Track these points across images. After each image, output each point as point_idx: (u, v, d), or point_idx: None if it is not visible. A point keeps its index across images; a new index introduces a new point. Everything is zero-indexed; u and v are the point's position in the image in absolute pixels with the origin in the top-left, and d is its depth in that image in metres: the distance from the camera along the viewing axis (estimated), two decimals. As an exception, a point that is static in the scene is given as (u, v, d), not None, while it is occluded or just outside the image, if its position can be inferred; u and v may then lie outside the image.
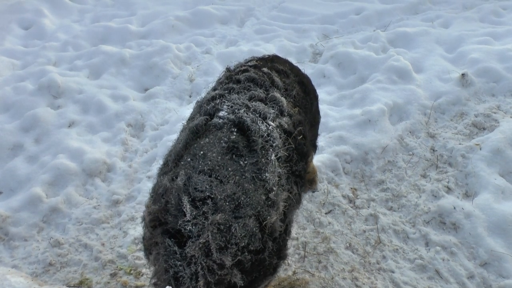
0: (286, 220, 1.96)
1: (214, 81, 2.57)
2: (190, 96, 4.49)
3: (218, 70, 4.72)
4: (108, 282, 2.77)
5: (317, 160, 3.54)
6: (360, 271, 2.88)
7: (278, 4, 6.39)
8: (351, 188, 3.45)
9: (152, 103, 4.30)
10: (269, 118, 2.08)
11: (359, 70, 4.60)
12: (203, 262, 1.57)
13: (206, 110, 2.12)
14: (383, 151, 3.64)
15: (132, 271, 2.83)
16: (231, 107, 2.09)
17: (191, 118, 2.22)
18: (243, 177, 1.81)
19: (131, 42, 5.41)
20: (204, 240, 1.58)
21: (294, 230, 3.10)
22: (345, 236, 3.11)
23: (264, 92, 2.22)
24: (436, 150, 3.71)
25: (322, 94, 4.37)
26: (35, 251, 2.99)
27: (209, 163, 1.82)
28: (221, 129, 1.98)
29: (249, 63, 2.52)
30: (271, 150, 1.96)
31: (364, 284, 2.79)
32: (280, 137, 2.04)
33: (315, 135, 2.90)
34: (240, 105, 2.09)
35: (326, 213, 3.26)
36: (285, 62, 2.72)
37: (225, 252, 1.61)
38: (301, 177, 2.19)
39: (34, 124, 3.94)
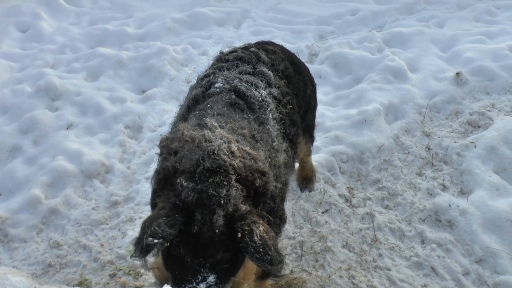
0: (286, 170, 2.11)
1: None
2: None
3: (215, 72, 4.74)
4: (108, 283, 2.79)
5: (314, 160, 3.57)
6: (357, 269, 2.91)
7: (274, 6, 6.42)
8: (348, 187, 3.48)
9: (150, 104, 4.32)
10: (260, 87, 2.29)
11: (354, 70, 4.63)
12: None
13: (202, 85, 2.32)
14: (379, 150, 3.68)
15: (131, 272, 2.86)
16: (225, 79, 2.30)
17: (186, 99, 2.39)
18: (250, 123, 2.03)
19: (128, 45, 5.43)
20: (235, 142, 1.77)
21: (291, 230, 3.13)
22: (341, 235, 3.14)
23: (251, 68, 2.41)
24: (432, 149, 3.75)
25: (319, 94, 4.36)
26: (35, 252, 3.02)
27: (218, 111, 2.04)
28: (221, 94, 2.20)
29: (240, 46, 2.67)
30: (268, 111, 2.18)
31: (360, 282, 2.82)
32: (274, 103, 2.25)
33: (311, 121, 2.98)
34: (232, 78, 2.30)
35: (322, 212, 3.29)
36: (277, 45, 2.81)
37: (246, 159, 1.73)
38: (293, 143, 2.36)
39: (32, 126, 3.96)
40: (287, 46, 5.13)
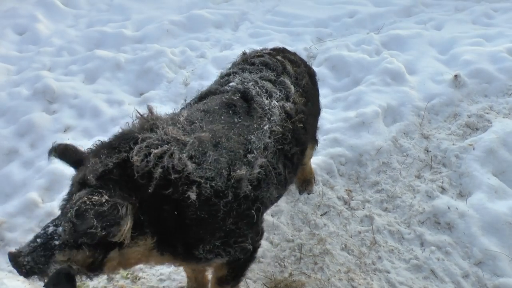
0: (259, 190, 2.00)
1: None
2: (185, 100, 4.49)
3: (213, 74, 4.73)
4: (105, 287, 2.77)
5: (312, 162, 3.56)
6: (356, 272, 2.90)
7: (272, 8, 6.41)
8: (346, 190, 3.47)
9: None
10: (274, 97, 2.25)
11: (353, 72, 4.63)
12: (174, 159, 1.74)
13: (219, 82, 2.37)
14: (378, 152, 3.67)
15: (129, 275, 2.84)
16: (242, 80, 2.29)
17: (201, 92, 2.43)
18: (231, 128, 2.01)
19: (126, 47, 5.41)
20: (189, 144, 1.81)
21: (290, 232, 3.12)
22: (340, 237, 3.13)
23: (275, 76, 2.38)
24: (430, 151, 3.75)
25: (317, 96, 4.40)
26: (32, 256, 2.99)
27: (207, 108, 2.07)
28: (228, 93, 2.21)
29: (264, 51, 2.63)
30: (266, 121, 2.12)
31: (360, 285, 2.81)
32: (280, 116, 2.18)
33: (315, 127, 2.97)
34: (249, 80, 2.29)
35: (321, 215, 3.28)
36: (294, 54, 2.80)
37: (192, 163, 1.78)
38: (291, 162, 2.25)
39: (29, 129, 3.93)
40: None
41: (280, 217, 3.23)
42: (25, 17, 5.99)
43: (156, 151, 1.74)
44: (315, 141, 3.09)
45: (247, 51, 2.73)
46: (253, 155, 1.99)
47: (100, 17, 6.26)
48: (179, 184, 1.74)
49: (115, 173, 1.69)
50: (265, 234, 3.06)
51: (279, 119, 2.18)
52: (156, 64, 4.86)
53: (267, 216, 3.21)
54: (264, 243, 3.04)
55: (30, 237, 3.06)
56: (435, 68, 4.55)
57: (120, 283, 2.79)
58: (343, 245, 3.07)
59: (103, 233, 1.54)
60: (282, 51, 2.71)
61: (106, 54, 5.08)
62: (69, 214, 1.56)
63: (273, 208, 3.28)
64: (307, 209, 3.30)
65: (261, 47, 5.13)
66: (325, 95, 4.44)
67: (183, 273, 2.83)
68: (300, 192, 3.38)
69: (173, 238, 1.83)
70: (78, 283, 2.76)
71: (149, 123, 1.91)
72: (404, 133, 3.89)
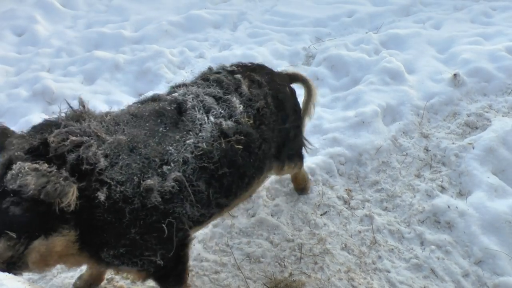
0: (171, 204, 1.95)
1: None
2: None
3: (212, 74, 4.73)
4: (105, 287, 2.77)
5: (312, 162, 3.56)
6: (356, 272, 2.90)
7: (270, 8, 6.41)
8: (346, 189, 3.47)
9: (147, 108, 4.31)
10: (211, 114, 2.20)
11: (352, 72, 4.63)
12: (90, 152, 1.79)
13: (169, 91, 2.37)
14: (377, 152, 3.67)
15: (129, 276, 2.83)
16: (185, 93, 2.27)
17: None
18: (153, 136, 1.99)
19: (124, 48, 5.41)
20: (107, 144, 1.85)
21: (290, 232, 3.12)
22: (340, 237, 3.13)
23: (222, 93, 2.32)
24: (430, 150, 3.74)
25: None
26: (31, 257, 2.98)
27: (137, 112, 2.08)
28: (164, 101, 2.20)
29: (228, 68, 2.57)
30: (193, 135, 2.08)
31: (360, 284, 2.81)
32: (211, 134, 2.12)
33: (291, 150, 2.85)
34: (192, 93, 2.26)
35: (321, 215, 3.28)
36: (267, 74, 2.67)
37: (105, 161, 1.81)
38: (220, 182, 2.15)
39: (28, 131, 3.92)
40: (284, 48, 5.18)
41: (280, 217, 3.23)
42: (24, 18, 5.99)
43: (74, 138, 1.79)
44: (300, 157, 3.04)
45: (214, 67, 2.64)
46: (169, 167, 1.95)
47: (98, 18, 6.25)
48: (92, 180, 1.76)
49: (41, 150, 1.75)
50: (265, 234, 3.09)
51: (209, 136, 2.11)
52: (155, 64, 4.86)
53: (268, 216, 3.21)
54: (264, 242, 3.05)
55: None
56: (434, 67, 4.55)
57: (119, 284, 2.79)
58: (343, 245, 3.06)
59: (57, 193, 1.59)
60: (252, 69, 2.60)
61: (105, 55, 5.08)
62: (11, 184, 1.58)
63: (272, 208, 3.28)
64: (307, 209, 3.30)
65: (259, 47, 5.15)
66: (324, 95, 4.45)
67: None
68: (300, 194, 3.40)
69: (86, 235, 1.83)
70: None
71: (77, 114, 1.98)
72: (403, 132, 3.89)
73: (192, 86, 2.37)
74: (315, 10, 6.23)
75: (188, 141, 2.05)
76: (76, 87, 4.56)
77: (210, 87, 2.34)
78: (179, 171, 1.96)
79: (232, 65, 2.62)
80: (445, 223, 3.17)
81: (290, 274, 2.86)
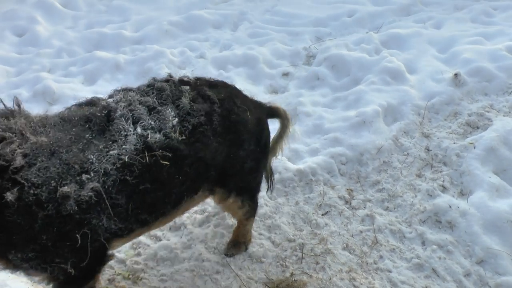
0: (88, 215, 1.89)
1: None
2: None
3: (213, 74, 4.73)
4: (107, 287, 2.77)
5: (313, 162, 3.56)
6: (358, 272, 2.90)
7: (270, 8, 6.41)
8: (347, 189, 3.47)
9: (148, 108, 4.30)
10: (139, 124, 2.08)
11: (352, 72, 4.63)
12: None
13: (110, 94, 2.30)
14: (378, 151, 3.67)
15: (130, 276, 2.83)
16: (120, 99, 2.18)
17: None
18: (77, 143, 1.94)
19: (125, 48, 5.41)
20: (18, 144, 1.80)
21: (291, 232, 3.12)
22: (342, 237, 3.12)
23: (158, 104, 2.19)
24: (431, 150, 3.74)
25: (317, 96, 4.40)
26: (33, 258, 2.98)
27: (68, 115, 2.04)
28: (97, 106, 2.13)
29: (184, 78, 2.44)
30: (116, 146, 1.98)
31: (361, 284, 2.81)
32: (135, 147, 2.02)
33: (244, 184, 2.61)
34: (125, 101, 2.16)
35: (322, 215, 3.28)
36: (229, 94, 2.46)
37: (22, 160, 1.76)
38: (141, 198, 2.05)
39: (29, 131, 3.92)
40: (285, 48, 5.18)
41: (282, 217, 3.23)
42: (24, 18, 5.99)
43: None
44: (249, 202, 2.74)
45: (173, 74, 2.51)
46: (88, 176, 1.88)
47: (99, 18, 6.26)
48: (4, 178, 1.72)
49: None
50: (266, 234, 3.09)
51: (133, 148, 2.00)
52: (155, 64, 4.86)
53: (269, 216, 3.21)
54: (265, 242, 3.05)
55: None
56: (435, 66, 4.55)
57: (121, 284, 2.79)
58: (345, 245, 3.06)
59: None
60: (208, 85, 2.44)
61: (106, 55, 5.08)
62: None
63: (274, 208, 3.28)
64: (308, 209, 3.30)
65: (259, 47, 5.14)
66: (325, 95, 4.45)
67: (186, 273, 2.83)
68: (226, 254, 2.98)
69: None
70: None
71: (7, 112, 1.96)
72: (404, 132, 3.89)
73: (132, 92, 2.26)
74: (315, 10, 6.23)
75: (111, 152, 1.95)
76: (77, 87, 4.56)
77: (148, 95, 2.22)
78: (98, 182, 1.89)
79: (194, 77, 2.47)
80: (447, 223, 3.16)
81: (292, 274, 2.86)
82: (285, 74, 4.84)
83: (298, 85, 4.63)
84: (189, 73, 4.83)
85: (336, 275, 2.86)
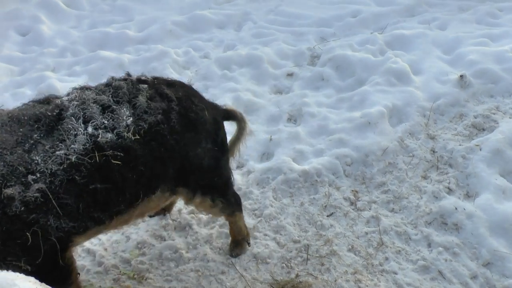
0: (35, 214, 1.89)
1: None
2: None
3: (217, 74, 4.72)
4: (112, 287, 2.76)
5: (318, 163, 3.55)
6: (363, 273, 2.88)
7: (274, 8, 6.40)
8: (352, 191, 3.46)
9: (152, 108, 4.30)
10: (91, 123, 2.07)
11: (357, 72, 4.61)
12: None
13: (68, 92, 2.28)
14: (384, 153, 3.66)
15: (135, 276, 2.83)
16: (74, 97, 2.17)
17: None
18: (23, 143, 1.94)
19: (129, 48, 5.41)
20: None
21: (296, 233, 3.11)
22: (347, 238, 3.11)
23: (112, 102, 2.17)
24: (436, 151, 3.73)
25: (321, 97, 4.39)
26: (37, 257, 2.98)
27: (18, 114, 2.02)
28: (50, 105, 2.12)
29: (142, 77, 2.43)
30: (64, 146, 1.98)
31: (367, 286, 2.80)
32: (84, 147, 2.00)
33: (204, 181, 2.58)
34: (78, 100, 2.15)
35: (327, 216, 3.26)
36: (186, 93, 2.46)
37: None
38: (91, 197, 2.04)
39: (33, 130, 3.92)
40: (289, 48, 5.17)
41: (287, 218, 3.22)
42: (28, 18, 6.00)
43: None
44: (222, 199, 2.72)
45: (131, 73, 2.50)
46: (34, 177, 1.89)
47: (103, 18, 6.26)
48: None
49: None
50: (271, 235, 3.08)
51: (82, 148, 1.99)
52: (160, 64, 4.86)
53: (274, 217, 3.20)
54: (270, 243, 3.04)
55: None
56: (440, 68, 4.53)
57: (126, 284, 2.78)
58: (350, 246, 3.05)
59: None
60: (168, 84, 2.43)
61: (110, 55, 5.08)
62: None
63: (279, 209, 3.27)
64: (313, 210, 3.29)
65: (263, 47, 5.13)
66: (329, 95, 4.43)
67: (191, 274, 2.82)
68: (230, 254, 2.99)
69: None
70: (85, 285, 2.76)
71: None
72: (410, 134, 3.87)
73: (89, 90, 2.24)
74: (319, 10, 6.22)
75: (58, 152, 1.95)
76: (81, 86, 4.55)
77: (103, 94, 2.20)
78: (44, 182, 1.89)
79: (151, 76, 2.47)
80: (453, 225, 3.15)
81: (297, 275, 2.85)
82: (290, 75, 4.82)
83: (303, 85, 4.62)
84: (193, 73, 4.82)
85: (342, 277, 2.85)
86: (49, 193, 1.89)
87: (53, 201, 1.90)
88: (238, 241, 2.98)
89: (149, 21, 6.04)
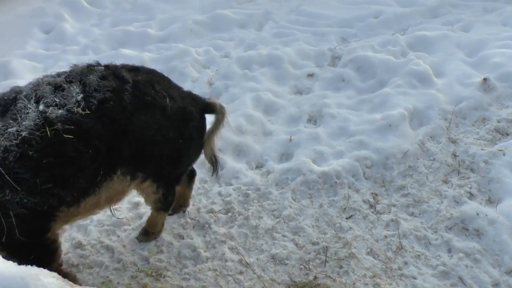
0: None
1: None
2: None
3: (238, 74, 4.73)
4: (130, 284, 2.78)
5: (338, 164, 3.53)
6: (382, 277, 2.86)
7: (296, 8, 6.38)
8: (372, 193, 3.43)
9: (172, 106, 4.32)
10: (42, 102, 2.13)
11: (378, 74, 4.57)
12: None
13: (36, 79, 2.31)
14: (404, 156, 3.61)
15: (153, 273, 2.84)
16: (31, 82, 2.25)
17: None
18: None
19: (150, 46, 5.45)
20: None
21: (315, 235, 3.09)
22: (366, 241, 3.08)
23: (65, 82, 2.23)
24: (458, 156, 3.67)
25: (342, 98, 4.36)
26: (58, 252, 3.02)
27: None
28: (10, 91, 2.22)
29: (108, 64, 2.47)
30: (15, 124, 2.04)
31: (386, 290, 2.77)
32: (35, 123, 2.06)
33: (163, 170, 2.61)
34: (35, 83, 2.22)
35: (347, 218, 3.24)
36: (149, 79, 2.49)
37: None
38: (47, 171, 2.09)
39: (56, 127, 3.98)
40: (310, 48, 5.15)
41: (305, 219, 3.21)
42: (51, 16, 6.09)
43: None
44: (165, 190, 2.75)
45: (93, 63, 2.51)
46: None
47: (124, 17, 6.32)
48: None
49: None
50: (290, 236, 3.07)
51: (33, 124, 2.05)
52: (180, 63, 4.88)
53: (293, 218, 3.19)
54: (289, 244, 3.03)
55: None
56: (463, 70, 4.46)
57: (144, 281, 2.80)
58: (369, 249, 3.02)
59: None
60: (126, 68, 2.49)
61: (131, 53, 5.13)
62: None
63: (298, 210, 3.26)
64: (332, 212, 3.27)
65: (284, 47, 5.12)
66: (350, 97, 4.40)
67: (209, 273, 2.83)
68: (137, 238, 3.08)
69: None
70: (102, 280, 2.79)
71: None
72: (431, 137, 3.82)
73: (49, 76, 2.31)
74: (341, 10, 6.19)
75: (10, 129, 2.03)
76: (103, 84, 4.60)
77: (59, 77, 2.27)
78: None
79: (120, 64, 2.54)
80: (474, 231, 3.10)
81: (315, 278, 2.83)
82: (310, 75, 4.80)
83: (323, 86, 4.59)
84: (214, 72, 4.83)
85: (360, 280, 2.83)
86: (1, 169, 1.96)
87: (7, 176, 1.97)
88: (148, 232, 3.05)
89: (170, 20, 6.08)
